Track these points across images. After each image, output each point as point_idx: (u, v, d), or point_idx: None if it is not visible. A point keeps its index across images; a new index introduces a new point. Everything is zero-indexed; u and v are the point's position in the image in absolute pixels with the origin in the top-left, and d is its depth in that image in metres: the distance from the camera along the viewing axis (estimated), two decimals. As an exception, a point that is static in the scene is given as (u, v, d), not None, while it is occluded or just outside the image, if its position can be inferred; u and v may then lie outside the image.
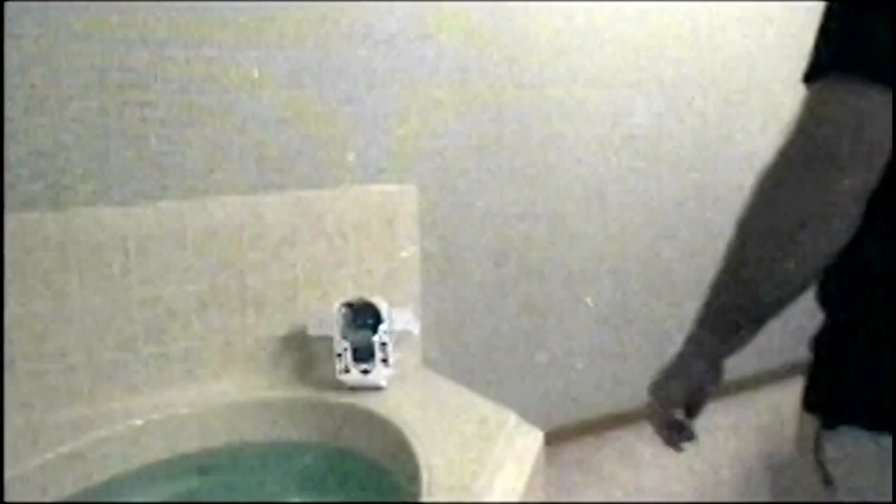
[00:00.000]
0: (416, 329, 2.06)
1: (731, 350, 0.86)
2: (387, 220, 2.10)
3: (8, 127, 1.68)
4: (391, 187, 2.12)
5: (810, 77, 0.76)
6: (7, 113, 1.67)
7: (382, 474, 1.69)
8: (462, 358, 2.32)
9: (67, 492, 1.62)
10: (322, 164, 2.02)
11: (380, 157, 2.10)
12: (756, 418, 2.72)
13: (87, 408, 1.80)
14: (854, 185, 0.72)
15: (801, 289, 0.76)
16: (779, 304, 0.78)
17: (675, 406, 0.93)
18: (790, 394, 3.05)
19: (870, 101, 0.71)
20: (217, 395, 1.89)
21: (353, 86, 2.03)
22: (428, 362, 2.19)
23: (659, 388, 0.94)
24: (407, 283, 2.15)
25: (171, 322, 1.89)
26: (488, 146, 2.26)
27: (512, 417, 1.72)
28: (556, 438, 2.34)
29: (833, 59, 0.74)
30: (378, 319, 1.94)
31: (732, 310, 0.82)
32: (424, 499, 1.36)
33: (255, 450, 1.85)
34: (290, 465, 1.85)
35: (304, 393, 1.92)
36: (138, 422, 1.77)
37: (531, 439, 1.63)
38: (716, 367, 0.91)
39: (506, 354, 2.41)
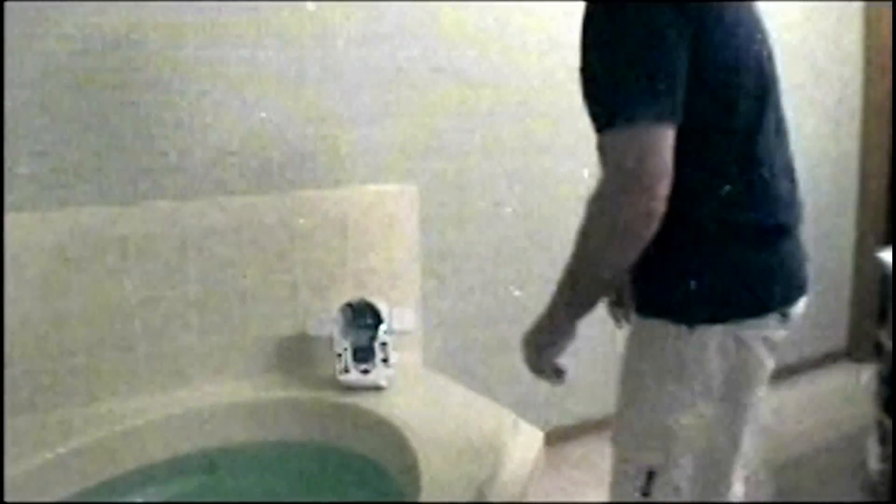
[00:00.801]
0: (415, 329, 2.06)
1: (580, 314, 1.14)
2: (387, 220, 2.10)
3: (8, 127, 1.68)
4: (391, 187, 2.11)
5: (606, 126, 0.98)
6: (7, 113, 1.67)
7: (382, 474, 1.69)
8: (462, 358, 2.32)
9: (67, 492, 1.62)
10: (322, 164, 2.02)
11: (380, 157, 2.10)
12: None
13: (87, 408, 1.80)
14: (653, 201, 0.95)
15: (624, 269, 1.05)
16: (611, 282, 1.12)
17: (542, 352, 1.21)
18: (790, 394, 3.07)
19: (653, 138, 0.94)
20: (217, 395, 1.89)
21: (353, 86, 2.03)
22: (428, 362, 2.19)
23: (528, 342, 1.22)
24: (407, 283, 2.15)
25: (170, 322, 1.89)
26: (488, 146, 2.26)
27: (512, 417, 1.72)
28: (556, 438, 2.34)
29: (619, 109, 0.95)
30: (378, 319, 1.94)
31: (581, 291, 1.09)
32: (424, 499, 1.36)
33: (255, 450, 1.85)
34: (290, 465, 1.84)
35: (304, 393, 1.92)
36: (138, 422, 1.76)
37: (531, 439, 1.63)
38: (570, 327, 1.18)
39: (506, 354, 2.40)
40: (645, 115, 0.94)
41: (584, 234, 1.04)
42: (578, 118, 2.56)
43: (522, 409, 1.83)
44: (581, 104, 2.41)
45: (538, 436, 1.66)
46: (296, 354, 2.03)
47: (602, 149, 1.00)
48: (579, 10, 2.52)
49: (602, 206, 1.00)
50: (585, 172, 2.46)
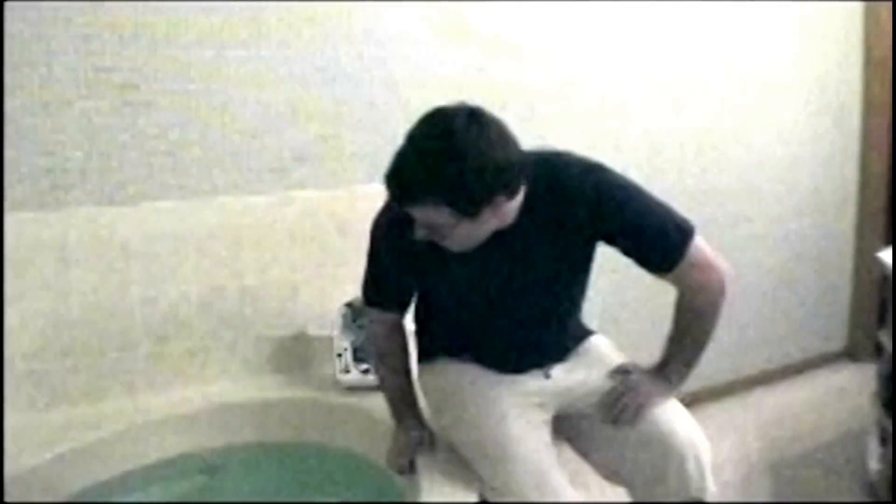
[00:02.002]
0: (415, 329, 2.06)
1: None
2: (387, 220, 2.09)
3: (8, 127, 1.68)
4: (391, 187, 2.11)
5: (682, 253, 1.33)
6: (7, 113, 1.67)
7: (382, 474, 1.69)
8: (462, 358, 2.32)
9: (68, 492, 1.62)
10: (322, 164, 2.02)
11: (380, 157, 2.10)
12: (756, 418, 2.72)
13: (87, 408, 1.80)
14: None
15: None
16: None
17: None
18: (790, 394, 3.06)
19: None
20: (217, 395, 1.89)
21: (353, 86, 2.02)
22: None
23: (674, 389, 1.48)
24: (407, 283, 2.14)
25: (171, 322, 1.89)
26: (488, 146, 2.26)
27: (512, 417, 1.71)
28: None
29: (682, 234, 1.33)
30: (378, 319, 1.94)
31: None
32: (424, 499, 1.36)
33: (256, 450, 1.85)
34: (290, 465, 1.85)
35: (304, 393, 1.92)
36: (138, 422, 1.77)
37: (531, 439, 1.62)
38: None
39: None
40: (691, 227, 1.35)
41: (711, 309, 1.39)
42: (579, 118, 2.56)
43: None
44: (578, 105, 2.38)
45: (538, 436, 1.65)
46: (296, 354, 2.03)
47: (688, 265, 1.34)
48: (580, 10, 2.51)
49: (719, 295, 1.37)
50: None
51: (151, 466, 1.76)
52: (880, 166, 3.08)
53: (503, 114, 2.24)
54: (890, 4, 2.89)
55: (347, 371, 1.88)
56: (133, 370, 1.87)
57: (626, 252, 1.37)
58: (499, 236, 1.30)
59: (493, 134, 1.22)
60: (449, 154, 1.17)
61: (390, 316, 1.51)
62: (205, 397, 1.88)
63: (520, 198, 1.30)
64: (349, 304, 1.96)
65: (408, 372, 1.57)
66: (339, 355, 1.89)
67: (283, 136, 1.96)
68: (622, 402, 1.41)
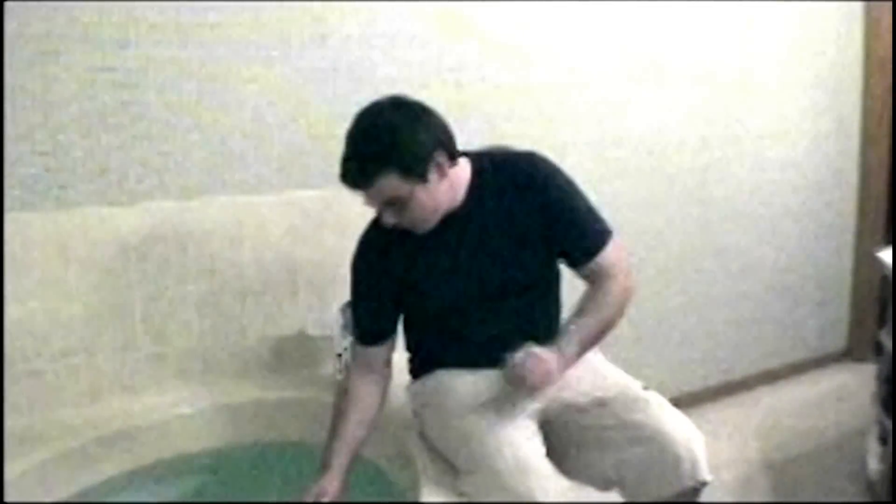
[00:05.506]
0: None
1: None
2: (387, 220, 2.09)
3: (8, 127, 1.68)
4: (391, 187, 2.11)
5: (601, 246, 1.47)
6: (7, 113, 1.67)
7: (382, 474, 1.69)
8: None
9: (67, 492, 1.62)
10: (322, 164, 2.02)
11: (380, 157, 2.10)
12: (756, 418, 2.72)
13: (87, 408, 1.80)
14: None
15: None
16: None
17: None
18: (790, 394, 3.06)
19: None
20: (217, 395, 1.89)
21: (353, 86, 2.02)
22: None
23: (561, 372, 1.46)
24: (407, 283, 2.14)
25: (171, 322, 1.89)
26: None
27: (512, 417, 1.72)
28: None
29: (605, 230, 1.50)
30: (378, 319, 1.93)
31: (604, 336, 1.51)
32: (424, 499, 1.37)
33: (255, 450, 1.85)
34: (290, 465, 1.84)
35: (304, 393, 1.92)
36: (138, 422, 1.77)
37: (531, 439, 1.62)
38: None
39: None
40: (611, 228, 1.51)
41: (618, 306, 1.47)
42: (578, 119, 2.56)
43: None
44: (577, 105, 2.38)
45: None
46: (296, 354, 2.03)
47: (605, 259, 1.47)
48: (579, 10, 2.51)
49: (627, 290, 1.49)
50: (584, 171, 2.46)
51: (151, 466, 1.76)
52: (880, 166, 3.08)
53: (503, 114, 2.26)
54: (890, 4, 2.89)
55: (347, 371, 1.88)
56: (133, 370, 1.87)
57: (556, 238, 1.48)
58: (457, 223, 1.45)
59: (415, 106, 1.39)
60: (381, 127, 1.36)
61: (377, 353, 1.56)
62: (205, 397, 1.88)
63: (466, 175, 1.46)
64: (349, 304, 1.95)
65: (367, 426, 1.52)
66: (339, 355, 1.89)
67: (283, 136, 1.96)
68: (525, 368, 1.34)
